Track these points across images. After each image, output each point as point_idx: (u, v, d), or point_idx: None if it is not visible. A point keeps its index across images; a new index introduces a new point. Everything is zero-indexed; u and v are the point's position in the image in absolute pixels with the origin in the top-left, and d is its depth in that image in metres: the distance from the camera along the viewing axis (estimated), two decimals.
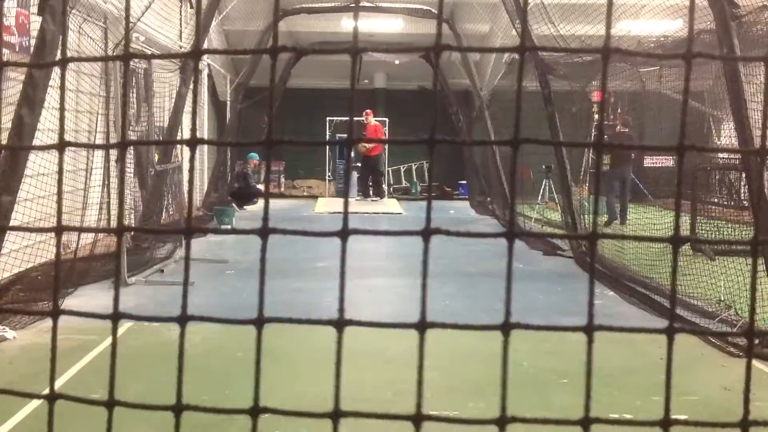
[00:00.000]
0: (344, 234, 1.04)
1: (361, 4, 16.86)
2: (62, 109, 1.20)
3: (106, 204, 11.03)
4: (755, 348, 6.77)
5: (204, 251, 11.80)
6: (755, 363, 6.62)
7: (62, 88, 1.16)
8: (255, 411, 1.07)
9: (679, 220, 1.16)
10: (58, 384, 6.01)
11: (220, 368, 6.12)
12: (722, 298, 8.02)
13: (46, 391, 1.23)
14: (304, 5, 17.40)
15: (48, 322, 7.36)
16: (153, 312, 7.12)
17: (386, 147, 21.98)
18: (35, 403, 5.19)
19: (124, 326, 7.24)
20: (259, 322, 1.04)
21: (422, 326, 1.07)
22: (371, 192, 21.30)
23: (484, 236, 1.18)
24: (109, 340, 6.86)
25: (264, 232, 1.05)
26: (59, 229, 1.17)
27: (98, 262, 9.56)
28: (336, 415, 1.07)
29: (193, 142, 1.11)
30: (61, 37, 7.14)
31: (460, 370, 6.25)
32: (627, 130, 17.90)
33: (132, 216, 11.08)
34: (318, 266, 10.73)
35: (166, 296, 8.81)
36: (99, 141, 11.40)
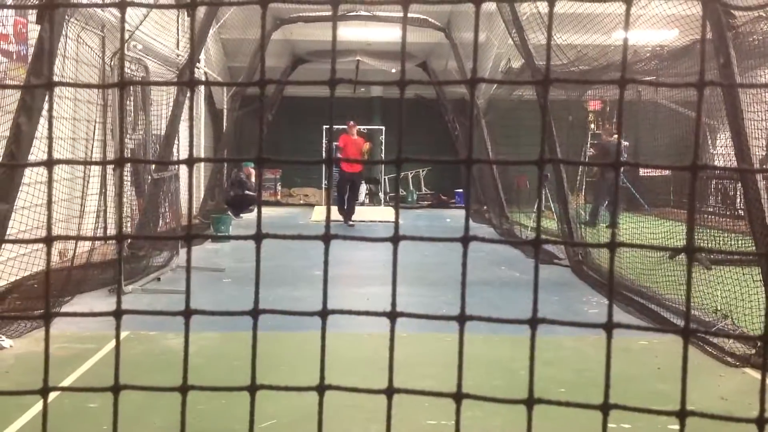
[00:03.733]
0: (396, 240, 1.18)
1: (358, 14, 16.91)
2: (121, 126, 1.21)
3: (103, 212, 11.01)
4: (753, 357, 6.78)
5: (200, 259, 11.79)
6: (753, 372, 6.63)
7: (121, 109, 1.17)
8: (321, 388, 1.25)
9: (693, 233, 1.20)
10: (54, 394, 6.01)
11: (218, 376, 6.11)
12: (719, 308, 8.03)
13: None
14: (301, 14, 17.45)
15: (44, 331, 7.34)
16: (151, 321, 7.10)
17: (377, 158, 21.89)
18: (33, 410, 5.18)
19: (122, 334, 7.22)
20: (323, 314, 1.25)
21: (462, 318, 1.26)
22: (347, 213, 18.16)
23: (512, 243, 1.26)
24: (106, 349, 6.85)
25: (326, 237, 1.18)
26: (117, 238, 1.20)
27: (95, 270, 9.55)
28: (390, 392, 1.27)
29: (191, 161, 1.14)
30: (58, 48, 7.16)
31: (455, 377, 6.25)
32: (612, 138, 18.19)
33: (129, 224, 11.07)
34: (315, 274, 10.73)
35: (163, 304, 8.79)
36: (96, 149, 11.40)
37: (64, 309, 8.05)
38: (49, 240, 1.23)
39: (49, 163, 1.18)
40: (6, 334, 7.04)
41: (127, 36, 12.04)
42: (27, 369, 6.29)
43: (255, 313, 1.20)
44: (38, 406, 5.24)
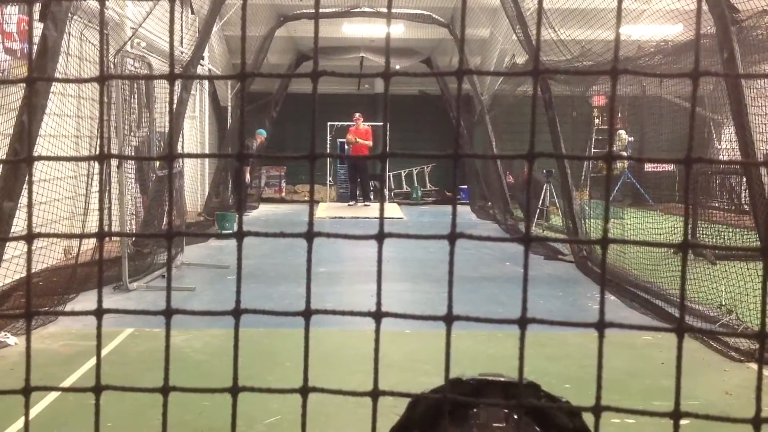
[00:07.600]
0: (380, 237, 1.17)
1: (362, 10, 16.89)
2: (101, 121, 1.21)
3: (107, 209, 11.01)
4: (757, 352, 6.77)
5: (205, 257, 11.80)
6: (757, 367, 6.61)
7: (101, 103, 1.18)
8: (305, 390, 1.22)
9: (688, 228, 1.19)
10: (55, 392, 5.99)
11: (223, 373, 6.12)
12: (723, 303, 8.01)
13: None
14: (305, 11, 17.43)
15: (49, 329, 7.36)
16: (153, 318, 7.09)
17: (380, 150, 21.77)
18: (38, 407, 5.19)
19: (126, 331, 7.24)
20: (307, 314, 1.21)
21: (449, 319, 1.27)
22: (360, 195, 21.51)
23: (502, 240, 1.26)
24: (111, 346, 6.87)
25: (309, 235, 1.17)
26: (102, 235, 1.23)
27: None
28: (375, 394, 1.26)
29: (171, 157, 1.15)
30: (61, 45, 7.17)
31: (460, 373, 6.24)
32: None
33: (133, 221, 11.09)
34: (319, 271, 10.73)
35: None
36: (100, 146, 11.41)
37: (69, 306, 8.07)
38: (30, 237, 1.23)
39: (29, 160, 1.18)
40: (11, 332, 7.06)
41: (129, 33, 12.05)
42: (33, 366, 6.30)
43: (236, 313, 1.20)
44: (43, 402, 5.25)
